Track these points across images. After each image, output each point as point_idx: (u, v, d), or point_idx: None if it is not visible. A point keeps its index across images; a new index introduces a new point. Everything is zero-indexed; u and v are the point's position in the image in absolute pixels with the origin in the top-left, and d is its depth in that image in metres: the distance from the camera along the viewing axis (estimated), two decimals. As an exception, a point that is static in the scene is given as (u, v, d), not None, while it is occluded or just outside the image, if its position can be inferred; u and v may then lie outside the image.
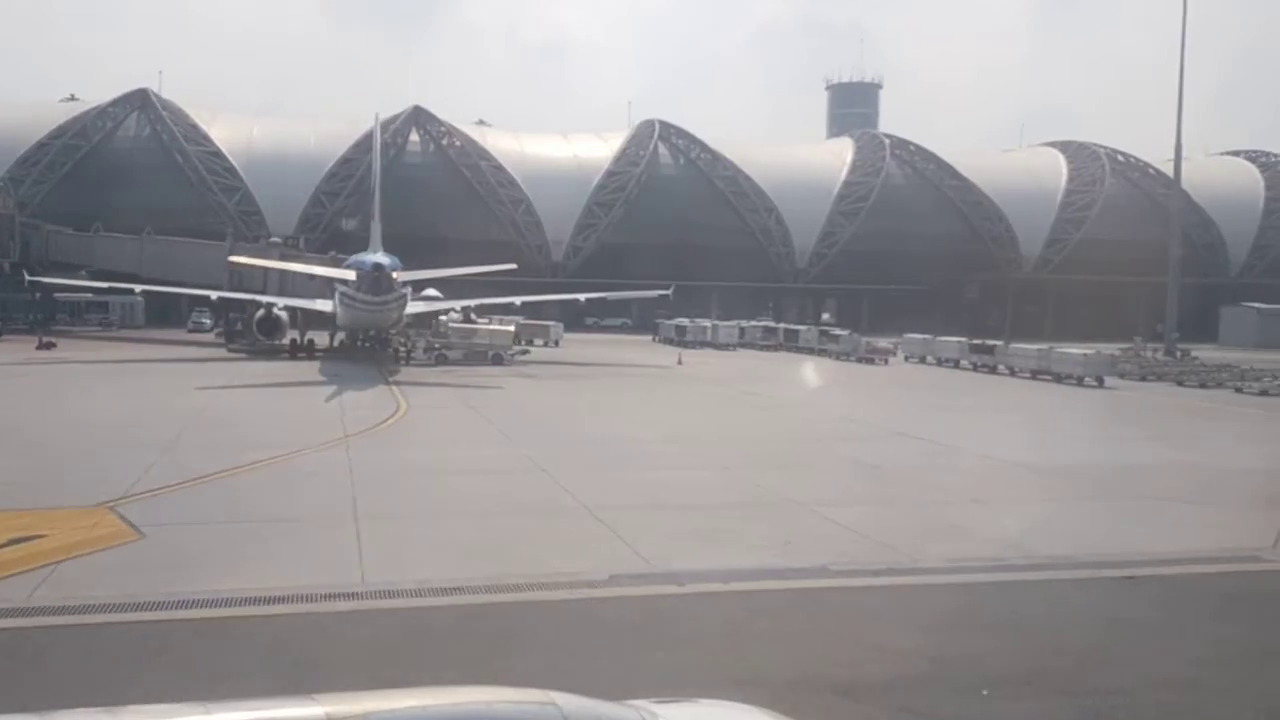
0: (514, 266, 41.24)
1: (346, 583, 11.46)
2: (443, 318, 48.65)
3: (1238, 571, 13.38)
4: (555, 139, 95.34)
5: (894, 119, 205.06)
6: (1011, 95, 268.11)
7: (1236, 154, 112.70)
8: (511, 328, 47.36)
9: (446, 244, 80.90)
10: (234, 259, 48.14)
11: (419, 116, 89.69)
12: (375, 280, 39.19)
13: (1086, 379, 41.94)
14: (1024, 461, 21.66)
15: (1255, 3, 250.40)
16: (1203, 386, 42.34)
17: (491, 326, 46.79)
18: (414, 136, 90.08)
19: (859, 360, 53.49)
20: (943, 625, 10.49)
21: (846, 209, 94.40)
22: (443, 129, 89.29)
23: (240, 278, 53.19)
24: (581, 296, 51.02)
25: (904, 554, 13.67)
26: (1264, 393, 39.16)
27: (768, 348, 62.71)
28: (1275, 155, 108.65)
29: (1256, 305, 77.95)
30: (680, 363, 47.85)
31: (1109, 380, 42.41)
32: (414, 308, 48.08)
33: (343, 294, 41.27)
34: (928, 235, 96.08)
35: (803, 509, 16.30)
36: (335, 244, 70.61)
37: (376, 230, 43.00)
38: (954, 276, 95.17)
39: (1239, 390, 40.18)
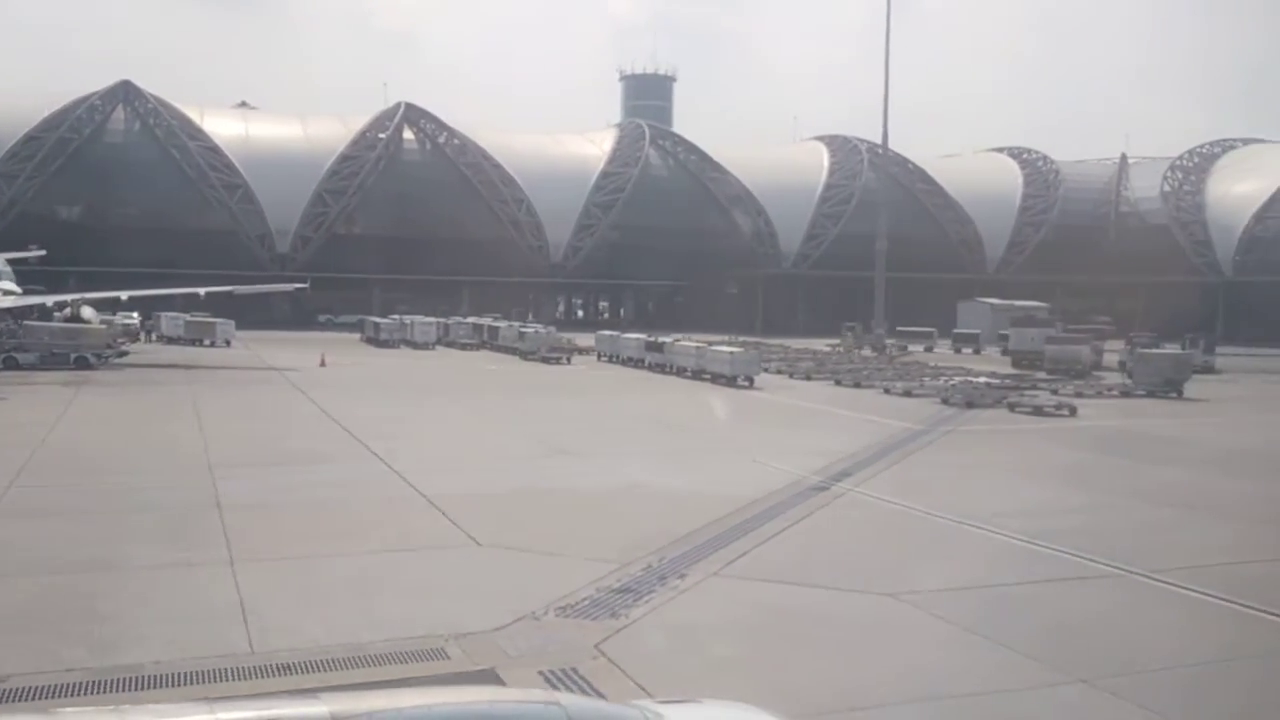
0: (43, 253, 35.11)
1: None
2: (79, 313, 42.11)
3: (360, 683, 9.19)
4: (290, 122, 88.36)
5: (692, 114, 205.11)
6: (843, 93, 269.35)
7: (1001, 150, 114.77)
8: (103, 327, 41.21)
9: (147, 234, 73.52)
10: None
11: (126, 92, 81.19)
12: None
13: (739, 379, 38.90)
14: (438, 491, 17.39)
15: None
16: (856, 386, 39.85)
17: (78, 326, 40.47)
18: (120, 114, 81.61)
19: (542, 359, 49.45)
20: None
21: (603, 200, 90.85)
22: (150, 107, 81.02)
23: None
24: (201, 290, 45.13)
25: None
26: (907, 393, 36.77)
27: (469, 346, 58.10)
28: (1036, 152, 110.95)
29: (990, 300, 77.96)
30: (323, 364, 42.66)
31: (760, 380, 39.49)
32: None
33: None
34: (691, 229, 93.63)
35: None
36: (31, 233, 61.92)
37: None
38: (717, 272, 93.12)
39: (886, 391, 37.68)
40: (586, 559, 13.49)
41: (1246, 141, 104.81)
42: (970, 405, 33.28)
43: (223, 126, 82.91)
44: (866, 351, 59.35)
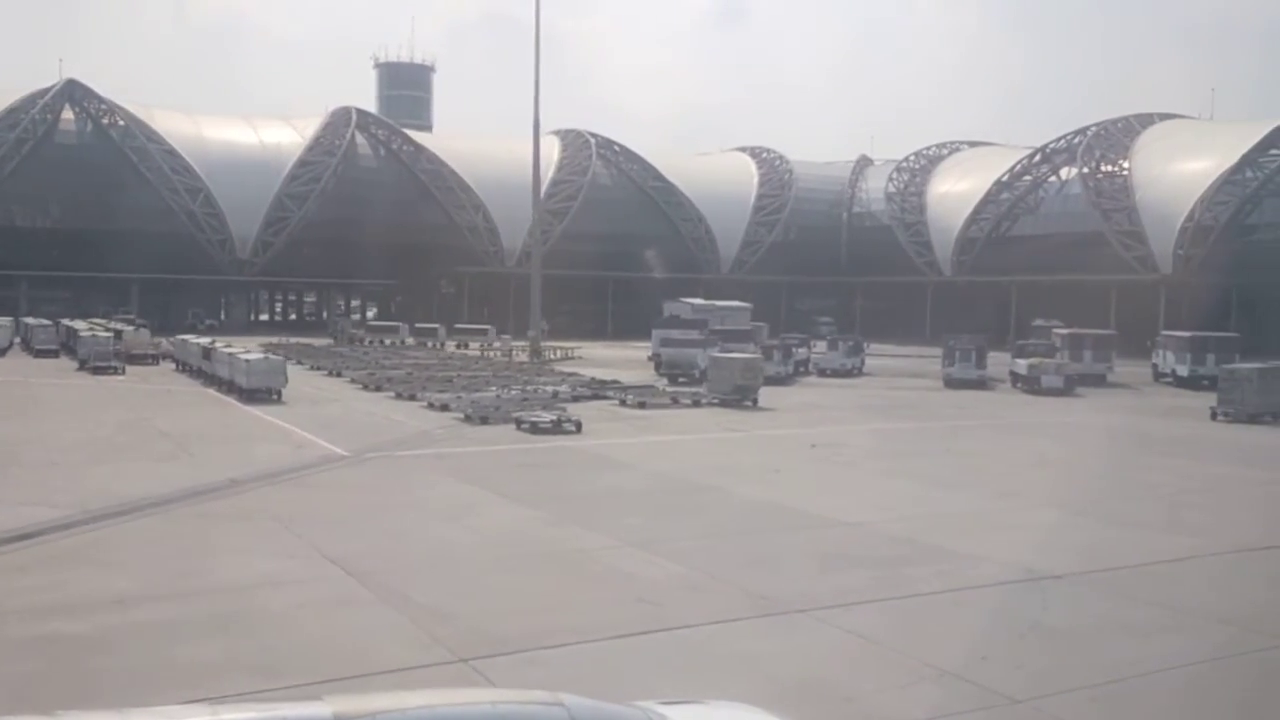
0: None
1: None
2: None
3: None
4: (-81, 97, 76.61)
5: (459, 108, 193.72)
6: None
7: (743, 150, 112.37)
8: None
9: None
10: None
11: None
12: None
13: (272, 392, 32.60)
14: None
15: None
16: (411, 398, 34.13)
17: None
18: None
19: (93, 370, 41.70)
20: None
21: (298, 191, 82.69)
22: None
23: None
24: None
25: None
26: (444, 407, 31.27)
27: (46, 353, 49.60)
28: (774, 152, 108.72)
29: (692, 300, 74.09)
30: None
31: (310, 390, 33.50)
32: None
33: None
34: (409, 225, 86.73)
35: None
36: None
37: None
38: (435, 270, 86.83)
39: (430, 405, 32.10)
40: None
41: (974, 144, 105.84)
42: (484, 421, 28.17)
43: None
44: (522, 356, 54.30)
